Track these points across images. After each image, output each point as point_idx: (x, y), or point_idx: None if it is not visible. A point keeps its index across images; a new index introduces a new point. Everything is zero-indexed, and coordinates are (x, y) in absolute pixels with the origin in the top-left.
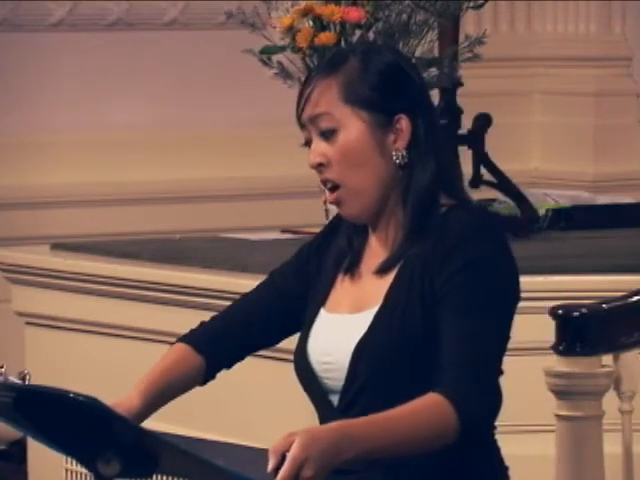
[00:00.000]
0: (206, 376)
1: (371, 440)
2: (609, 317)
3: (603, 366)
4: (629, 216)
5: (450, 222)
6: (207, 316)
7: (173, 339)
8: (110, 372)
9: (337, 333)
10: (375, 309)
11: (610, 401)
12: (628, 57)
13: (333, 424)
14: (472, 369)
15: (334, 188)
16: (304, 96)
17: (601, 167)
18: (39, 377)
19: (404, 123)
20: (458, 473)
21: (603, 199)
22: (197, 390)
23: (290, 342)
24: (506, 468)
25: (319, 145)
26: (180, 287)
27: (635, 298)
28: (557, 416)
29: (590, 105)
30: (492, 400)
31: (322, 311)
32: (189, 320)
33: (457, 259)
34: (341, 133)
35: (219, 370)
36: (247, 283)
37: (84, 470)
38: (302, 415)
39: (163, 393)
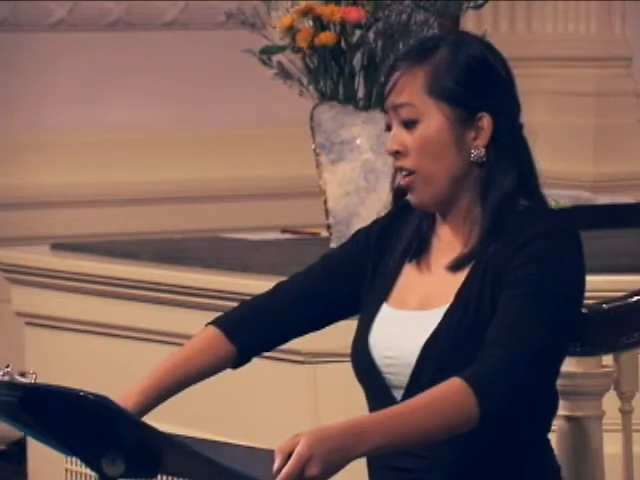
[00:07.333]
0: (238, 361)
1: (387, 433)
2: (609, 317)
3: (603, 366)
4: (630, 216)
5: (525, 224)
6: (207, 316)
7: (173, 339)
8: (110, 372)
9: (403, 329)
10: (445, 307)
11: (610, 401)
12: (628, 57)
13: (341, 422)
14: (504, 359)
15: (408, 174)
16: (390, 82)
17: (601, 167)
18: (39, 377)
19: (486, 121)
20: (516, 473)
21: (604, 199)
22: (199, 391)
23: (292, 342)
24: (559, 467)
25: (399, 133)
26: (180, 287)
27: (635, 298)
28: (557, 416)
29: (590, 105)
30: (516, 392)
31: (385, 306)
32: (189, 320)
33: (526, 254)
34: (422, 124)
35: (255, 354)
36: (247, 283)
37: (84, 470)
38: (304, 415)
39: (172, 388)
